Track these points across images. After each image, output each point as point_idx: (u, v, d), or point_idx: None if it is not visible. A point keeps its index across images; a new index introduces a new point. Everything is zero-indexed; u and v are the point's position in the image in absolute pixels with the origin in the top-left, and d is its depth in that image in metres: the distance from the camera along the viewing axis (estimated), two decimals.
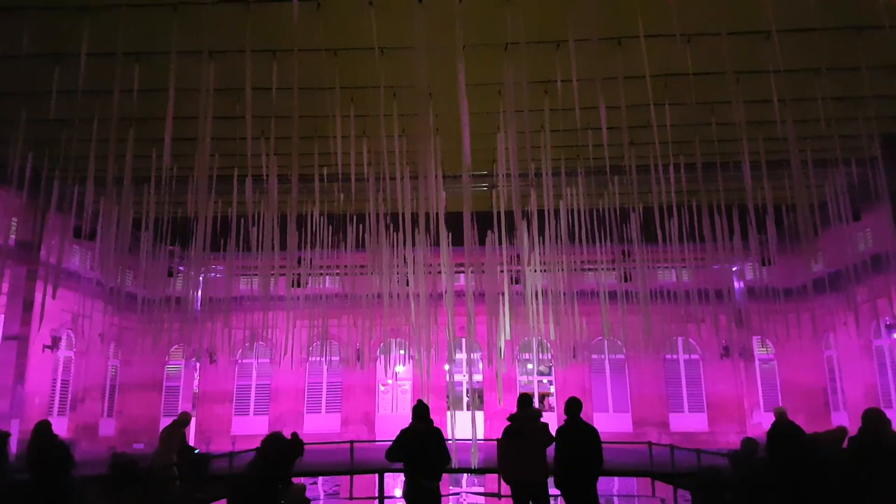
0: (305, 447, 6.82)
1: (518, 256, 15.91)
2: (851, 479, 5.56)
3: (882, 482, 5.41)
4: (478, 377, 25.26)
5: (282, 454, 6.02)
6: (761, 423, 22.96)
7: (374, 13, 8.33)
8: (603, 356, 25.11)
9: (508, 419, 7.11)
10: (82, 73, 8.31)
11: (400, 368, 25.15)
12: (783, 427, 7.78)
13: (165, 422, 23.85)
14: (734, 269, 22.85)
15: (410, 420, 7.18)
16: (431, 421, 7.14)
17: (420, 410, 7.05)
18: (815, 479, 5.27)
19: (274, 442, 6.01)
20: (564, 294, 13.92)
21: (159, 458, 9.48)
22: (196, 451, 10.70)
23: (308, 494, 8.09)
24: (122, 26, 8.10)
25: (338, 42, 9.59)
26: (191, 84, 8.51)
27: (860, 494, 5.40)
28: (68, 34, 9.07)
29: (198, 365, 24.95)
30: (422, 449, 6.84)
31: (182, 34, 8.20)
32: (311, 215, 14.35)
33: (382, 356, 22.66)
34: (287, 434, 6.40)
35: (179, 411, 23.93)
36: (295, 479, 8.07)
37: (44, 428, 8.40)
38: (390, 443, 7.08)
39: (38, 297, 16.47)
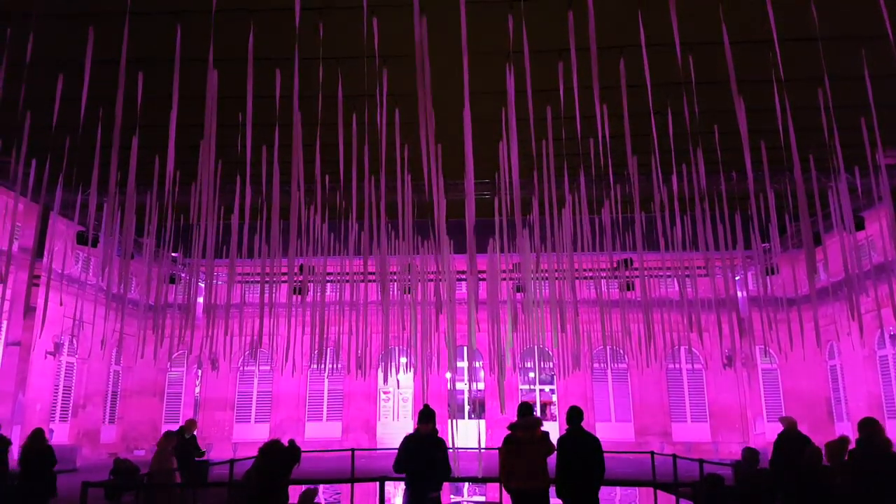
0: (306, 455, 6.80)
1: (520, 264, 15.89)
2: (853, 485, 5.54)
3: (883, 487, 5.38)
4: (479, 385, 25.21)
5: (280, 462, 6.02)
6: (764, 432, 22.86)
7: (377, 21, 8.37)
8: (605, 365, 25.04)
9: (508, 428, 7.08)
10: (86, 81, 8.35)
11: (401, 376, 25.11)
12: (791, 439, 7.74)
13: (167, 428, 23.93)
14: (737, 277, 22.80)
15: (416, 425, 7.17)
16: (437, 431, 7.12)
17: (426, 413, 7.05)
18: (818, 489, 5.25)
19: (272, 450, 6.01)
20: (566, 302, 13.89)
21: (157, 465, 9.50)
22: (204, 453, 10.76)
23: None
24: (126, 34, 8.14)
25: (340, 50, 9.63)
26: (194, 91, 8.55)
27: (862, 500, 5.36)
28: (72, 42, 9.13)
29: (199, 372, 24.94)
30: (426, 455, 6.82)
31: (185, 42, 8.25)
32: (313, 223, 14.37)
33: (384, 364, 22.64)
34: (285, 441, 6.41)
35: (181, 417, 24.04)
36: (296, 487, 8.04)
37: (37, 434, 9.78)
38: (392, 451, 7.06)
39: (40, 303, 16.51)
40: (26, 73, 8.28)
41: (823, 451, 7.49)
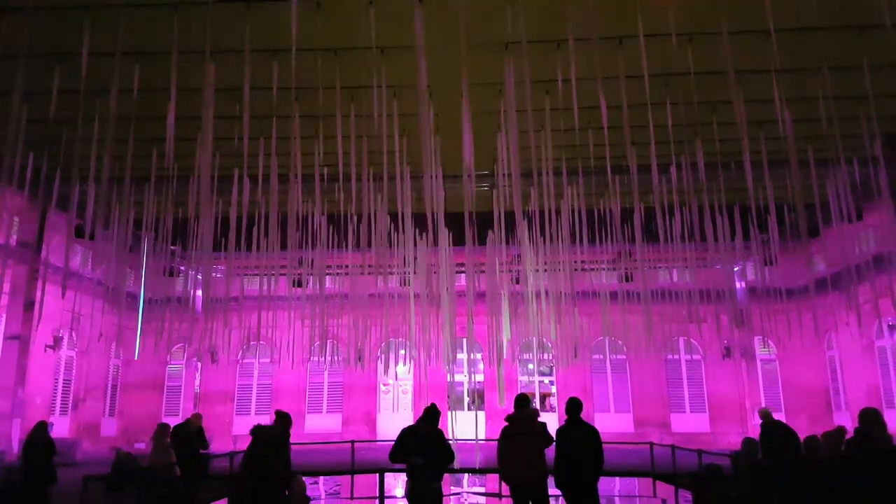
0: (307, 447, 6.86)
1: (519, 256, 15.88)
2: (847, 477, 5.55)
3: (874, 480, 5.40)
4: (479, 377, 25.26)
5: (273, 440, 6.19)
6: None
7: (374, 12, 8.32)
8: (604, 356, 25.08)
9: (506, 419, 7.10)
10: (84, 73, 8.31)
11: (401, 368, 25.16)
12: (772, 429, 7.78)
13: (167, 421, 24.00)
14: (736, 268, 22.81)
15: (419, 419, 7.17)
16: (441, 432, 7.15)
17: (431, 413, 7.06)
18: (812, 477, 5.25)
19: (260, 433, 6.22)
20: (565, 294, 13.89)
21: (156, 459, 9.52)
22: (208, 445, 10.81)
23: (309, 494, 8.11)
24: (123, 26, 8.10)
25: (337, 41, 9.58)
26: (191, 84, 8.51)
27: (855, 493, 5.38)
28: (68, 33, 9.08)
29: (199, 365, 24.97)
30: (425, 448, 6.84)
31: (182, 34, 8.20)
32: (312, 215, 14.35)
33: (383, 356, 22.66)
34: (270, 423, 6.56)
35: (181, 411, 24.09)
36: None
37: (38, 426, 10.29)
38: (391, 442, 7.07)
39: (38, 296, 16.51)
40: (22, 66, 8.24)
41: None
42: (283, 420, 8.27)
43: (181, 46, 8.07)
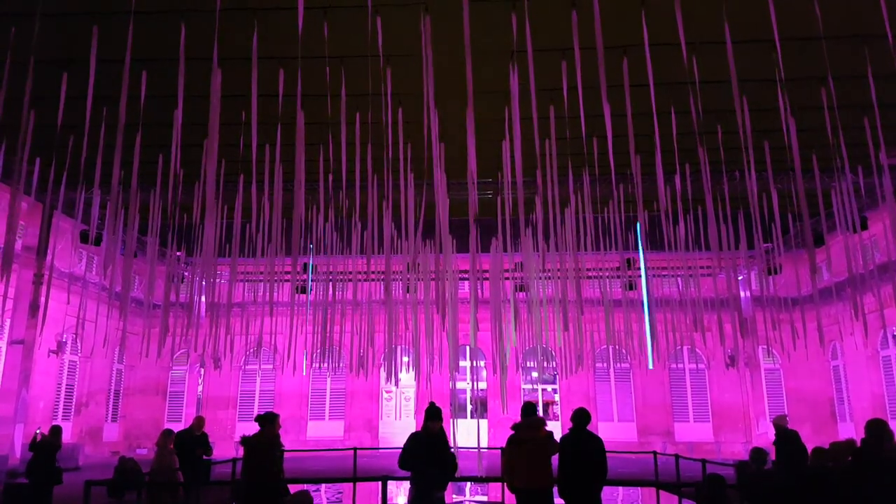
0: (308, 454, 6.92)
1: (523, 263, 15.87)
2: (855, 489, 5.53)
3: (882, 493, 5.37)
4: (481, 385, 25.21)
5: (259, 445, 6.38)
6: (766, 432, 22.83)
7: (381, 21, 8.37)
8: (607, 364, 25.02)
9: (512, 428, 7.09)
10: (91, 80, 8.37)
11: (404, 375, 25.13)
12: (786, 438, 7.73)
13: (169, 426, 24.02)
14: (740, 277, 22.77)
15: (424, 422, 7.19)
16: (444, 430, 7.16)
17: (434, 411, 7.10)
18: (820, 488, 5.23)
19: (247, 442, 6.46)
20: (569, 301, 13.88)
21: (158, 464, 9.52)
22: (211, 451, 10.80)
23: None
24: (130, 33, 8.16)
25: (344, 49, 9.64)
26: (198, 91, 8.56)
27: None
28: (76, 40, 9.15)
29: (202, 370, 24.99)
30: (436, 454, 6.86)
31: (189, 41, 8.26)
32: (316, 221, 14.39)
33: (386, 363, 22.66)
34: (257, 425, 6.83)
35: (184, 416, 24.10)
36: (298, 487, 8.07)
37: (51, 430, 10.87)
38: (394, 450, 7.08)
39: (43, 301, 16.56)
40: (30, 72, 8.30)
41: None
42: (264, 423, 8.25)
43: (188, 53, 8.13)
